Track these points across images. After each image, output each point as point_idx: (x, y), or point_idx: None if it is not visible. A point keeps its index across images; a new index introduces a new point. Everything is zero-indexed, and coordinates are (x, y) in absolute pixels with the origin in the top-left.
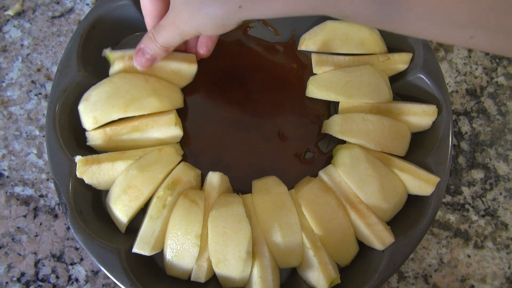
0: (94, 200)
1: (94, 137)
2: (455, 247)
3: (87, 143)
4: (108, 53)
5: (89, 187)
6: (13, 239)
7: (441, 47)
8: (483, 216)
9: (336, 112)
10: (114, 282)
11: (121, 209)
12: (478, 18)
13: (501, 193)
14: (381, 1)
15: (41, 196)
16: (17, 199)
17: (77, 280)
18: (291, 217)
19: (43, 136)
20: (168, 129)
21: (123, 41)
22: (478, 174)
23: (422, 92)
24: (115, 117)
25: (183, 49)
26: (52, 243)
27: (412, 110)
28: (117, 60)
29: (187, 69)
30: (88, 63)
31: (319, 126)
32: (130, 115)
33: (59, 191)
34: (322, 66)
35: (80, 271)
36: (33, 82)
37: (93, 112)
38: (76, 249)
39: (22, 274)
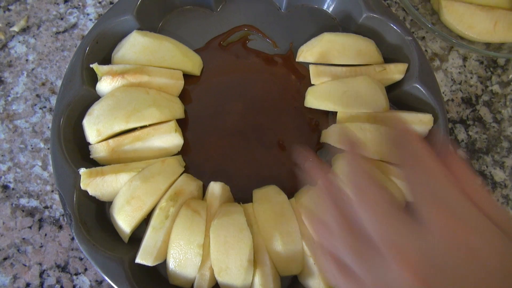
0: (98, 211)
1: (98, 150)
2: None
3: (91, 156)
4: (96, 67)
5: (93, 199)
6: (18, 250)
7: (436, 56)
8: None
9: (334, 121)
10: None
11: (125, 219)
12: None
13: (498, 200)
14: None
15: (46, 207)
16: (23, 211)
17: None
18: (292, 226)
19: (48, 149)
20: (169, 136)
21: None
22: None
23: (418, 101)
24: (117, 128)
25: None
26: (57, 254)
27: (408, 119)
28: (104, 75)
29: (174, 85)
30: (92, 77)
31: (317, 135)
32: (132, 126)
33: (64, 203)
34: (320, 77)
35: (84, 281)
36: (38, 96)
37: (96, 125)
38: (81, 259)
39: (28, 285)
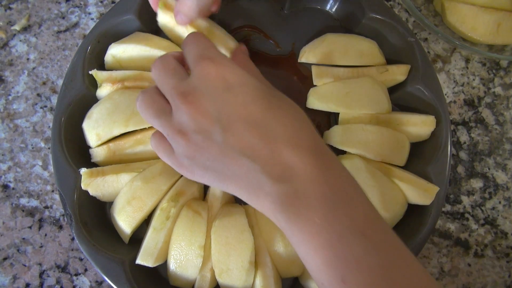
0: (99, 211)
1: (98, 153)
2: (455, 256)
3: (92, 160)
4: (95, 73)
5: (94, 199)
6: (18, 250)
7: (439, 58)
8: (482, 225)
9: (336, 123)
10: None
11: (125, 220)
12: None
13: (500, 202)
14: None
15: (46, 207)
16: (23, 211)
17: None
18: None
19: (48, 148)
20: None
21: None
22: (477, 183)
23: (420, 103)
24: (117, 132)
25: None
26: (57, 254)
27: (411, 121)
28: (104, 82)
29: None
30: (93, 77)
31: None
32: (131, 130)
33: (64, 203)
34: (322, 78)
35: (84, 282)
36: (38, 95)
37: (95, 129)
38: (81, 259)
39: (27, 285)
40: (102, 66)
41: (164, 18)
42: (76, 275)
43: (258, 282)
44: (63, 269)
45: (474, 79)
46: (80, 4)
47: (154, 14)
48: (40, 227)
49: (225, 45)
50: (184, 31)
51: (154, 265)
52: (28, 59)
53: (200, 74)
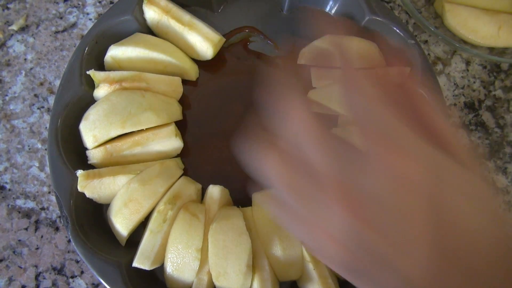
0: (95, 213)
1: (96, 155)
2: None
3: (89, 162)
4: (93, 74)
5: (90, 201)
6: (14, 252)
7: (439, 60)
8: None
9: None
10: None
11: (122, 222)
12: None
13: (500, 206)
14: None
15: (43, 209)
16: (19, 212)
17: None
18: None
19: (45, 149)
20: (169, 140)
21: None
22: None
23: None
24: (114, 134)
25: None
26: (53, 256)
27: None
28: (102, 82)
29: (173, 92)
30: (90, 78)
31: None
32: (128, 131)
33: (61, 205)
34: (321, 79)
35: (80, 284)
36: (36, 96)
37: (92, 130)
38: (77, 262)
39: (23, 287)
40: (99, 67)
41: (149, 13)
42: (72, 277)
43: (256, 285)
44: (59, 271)
45: (474, 82)
46: (78, 4)
47: None
48: (36, 229)
49: (206, 37)
50: (168, 25)
51: (151, 268)
52: (25, 59)
53: (383, 176)
